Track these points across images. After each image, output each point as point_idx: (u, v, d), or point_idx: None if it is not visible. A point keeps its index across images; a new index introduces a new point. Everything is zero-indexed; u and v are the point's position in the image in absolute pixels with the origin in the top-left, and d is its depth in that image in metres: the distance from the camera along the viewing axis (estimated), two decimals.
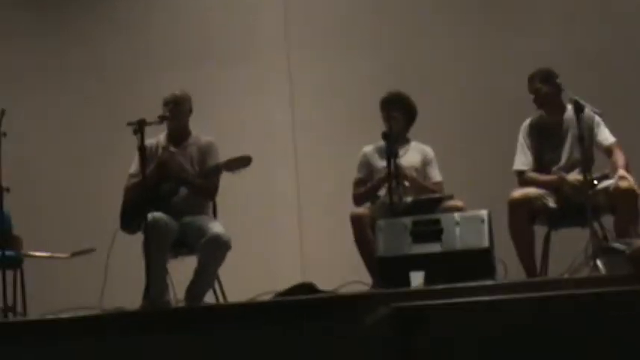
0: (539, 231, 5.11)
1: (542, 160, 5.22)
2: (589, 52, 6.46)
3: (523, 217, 4.97)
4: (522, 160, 5.24)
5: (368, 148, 5.58)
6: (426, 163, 5.50)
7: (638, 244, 3.90)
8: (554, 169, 5.12)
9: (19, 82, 7.22)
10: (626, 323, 3.55)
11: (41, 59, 7.26)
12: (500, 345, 3.63)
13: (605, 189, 4.89)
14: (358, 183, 5.53)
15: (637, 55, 6.34)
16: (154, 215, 4.94)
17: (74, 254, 5.66)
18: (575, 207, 4.89)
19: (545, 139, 5.22)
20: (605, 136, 5.11)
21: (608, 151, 5.08)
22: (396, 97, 5.52)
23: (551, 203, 5.01)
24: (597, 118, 5.12)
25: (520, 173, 5.22)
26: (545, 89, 5.16)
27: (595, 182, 4.85)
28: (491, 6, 6.75)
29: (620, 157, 5.01)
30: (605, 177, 4.91)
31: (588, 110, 4.91)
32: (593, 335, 3.56)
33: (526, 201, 4.98)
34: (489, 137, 6.36)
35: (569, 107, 4.98)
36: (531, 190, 5.04)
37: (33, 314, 5.44)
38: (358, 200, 5.44)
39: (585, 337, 3.57)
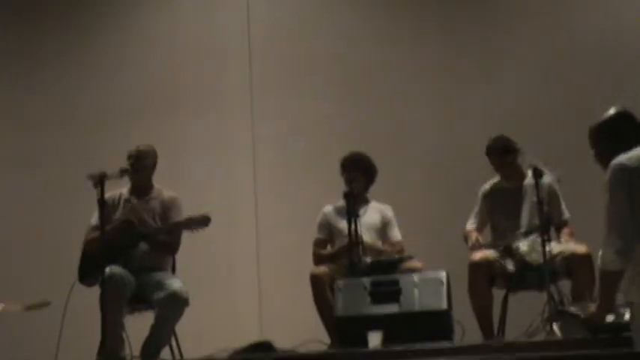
0: (497, 293, 5.15)
1: (499, 227, 5.30)
2: (551, 111, 6.57)
3: (482, 279, 5.01)
4: (470, 221, 5.38)
5: (328, 209, 5.63)
6: (385, 222, 5.56)
7: (592, 308, 3.94)
8: (518, 232, 5.19)
9: None
10: None
11: (4, 105, 7.23)
12: None
13: (561, 254, 4.97)
14: (318, 243, 5.58)
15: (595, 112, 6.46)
16: (112, 269, 4.90)
17: (28, 308, 5.56)
18: (533, 271, 4.97)
19: (503, 205, 5.30)
20: (560, 211, 5.26)
21: (563, 224, 5.25)
22: (356, 157, 5.59)
23: (510, 266, 5.07)
24: (556, 189, 5.24)
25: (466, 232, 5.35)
26: (507, 163, 5.26)
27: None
28: (457, 64, 6.84)
29: (569, 231, 5.20)
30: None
31: (548, 176, 5.00)
32: None
33: (486, 263, 5.03)
34: (449, 197, 6.41)
35: (529, 173, 5.06)
36: (491, 253, 5.10)
37: None
38: (318, 262, 5.47)
39: None
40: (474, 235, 5.24)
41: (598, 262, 3.60)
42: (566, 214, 5.27)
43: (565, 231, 5.22)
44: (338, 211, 5.54)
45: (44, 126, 7.16)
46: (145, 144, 5.38)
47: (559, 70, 6.66)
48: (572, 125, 6.45)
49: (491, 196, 5.37)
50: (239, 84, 7.06)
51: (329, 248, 5.57)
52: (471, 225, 5.36)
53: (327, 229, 5.58)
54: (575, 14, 6.78)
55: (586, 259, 4.85)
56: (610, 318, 4.00)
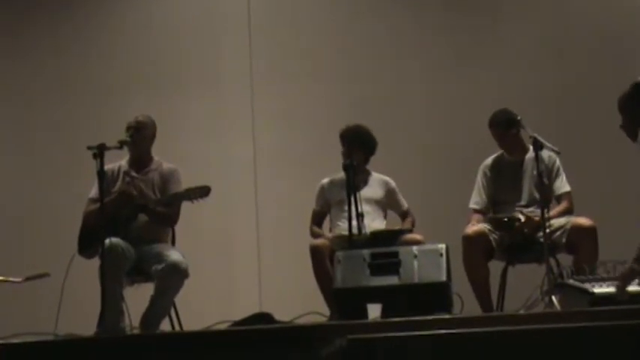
0: (497, 266, 5.15)
1: (500, 199, 5.28)
2: (550, 91, 6.59)
3: (477, 252, 5.00)
4: (477, 199, 5.32)
5: (325, 180, 5.64)
6: (390, 193, 5.59)
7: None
8: (517, 207, 5.18)
9: None
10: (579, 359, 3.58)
11: (3, 79, 7.20)
12: None
13: (563, 227, 4.97)
14: (314, 215, 5.63)
15: (595, 94, 6.48)
16: (112, 241, 4.89)
17: (28, 278, 5.57)
18: (532, 243, 4.97)
19: (505, 178, 5.29)
20: (561, 184, 5.22)
21: (559, 198, 5.21)
22: (355, 130, 5.58)
23: (507, 238, 5.06)
24: (557, 163, 5.23)
25: (474, 211, 5.30)
26: (511, 135, 5.22)
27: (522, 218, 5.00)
28: (455, 42, 6.84)
29: (562, 206, 5.14)
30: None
31: (548, 150, 4.98)
32: None
33: (480, 237, 5.03)
34: (448, 172, 6.43)
35: (531, 148, 5.03)
36: (485, 226, 5.09)
37: None
38: (313, 235, 5.51)
39: None
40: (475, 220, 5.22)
41: None
42: (567, 188, 5.23)
43: (561, 205, 5.19)
44: (335, 183, 5.55)
45: (44, 101, 7.12)
46: (144, 115, 5.36)
47: (559, 50, 6.69)
48: (572, 105, 6.53)
49: (492, 169, 5.34)
50: (239, 60, 7.03)
51: (328, 219, 5.60)
52: (475, 204, 5.30)
53: (323, 201, 5.61)
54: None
55: (591, 232, 4.86)
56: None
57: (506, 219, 5.04)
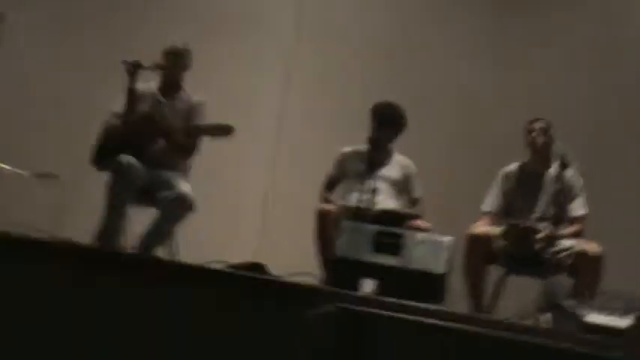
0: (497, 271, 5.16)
1: (514, 207, 5.27)
2: (585, 97, 6.55)
3: (478, 254, 4.99)
4: (490, 202, 5.30)
5: (347, 149, 5.59)
6: (407, 177, 5.53)
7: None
8: (532, 217, 5.17)
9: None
10: None
11: None
12: None
13: (570, 250, 4.97)
14: (329, 179, 5.57)
15: (629, 102, 6.46)
16: (126, 158, 4.90)
17: (36, 175, 5.58)
18: (537, 258, 4.97)
19: (523, 187, 5.27)
20: (577, 206, 5.20)
21: (573, 220, 5.18)
22: (387, 106, 5.54)
23: (515, 248, 5.05)
24: (579, 184, 5.20)
25: (484, 213, 5.28)
26: (543, 140, 5.21)
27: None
28: (493, 35, 6.81)
29: (573, 228, 5.13)
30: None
31: (573, 170, 4.97)
32: None
33: (485, 239, 5.02)
34: (470, 168, 6.41)
35: (556, 163, 5.02)
36: (493, 229, 5.08)
37: None
38: (322, 200, 5.48)
39: None
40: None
41: None
42: (582, 211, 5.21)
43: (573, 227, 5.19)
44: (356, 155, 5.51)
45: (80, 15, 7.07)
46: (184, 43, 5.35)
47: (601, 61, 6.64)
48: (606, 118, 6.50)
49: (515, 177, 5.32)
50: (284, 9, 6.98)
51: (338, 191, 5.57)
52: (490, 207, 5.29)
53: (341, 169, 5.55)
54: (619, 6, 6.77)
55: (596, 261, 4.84)
56: None
57: (523, 227, 5.02)
